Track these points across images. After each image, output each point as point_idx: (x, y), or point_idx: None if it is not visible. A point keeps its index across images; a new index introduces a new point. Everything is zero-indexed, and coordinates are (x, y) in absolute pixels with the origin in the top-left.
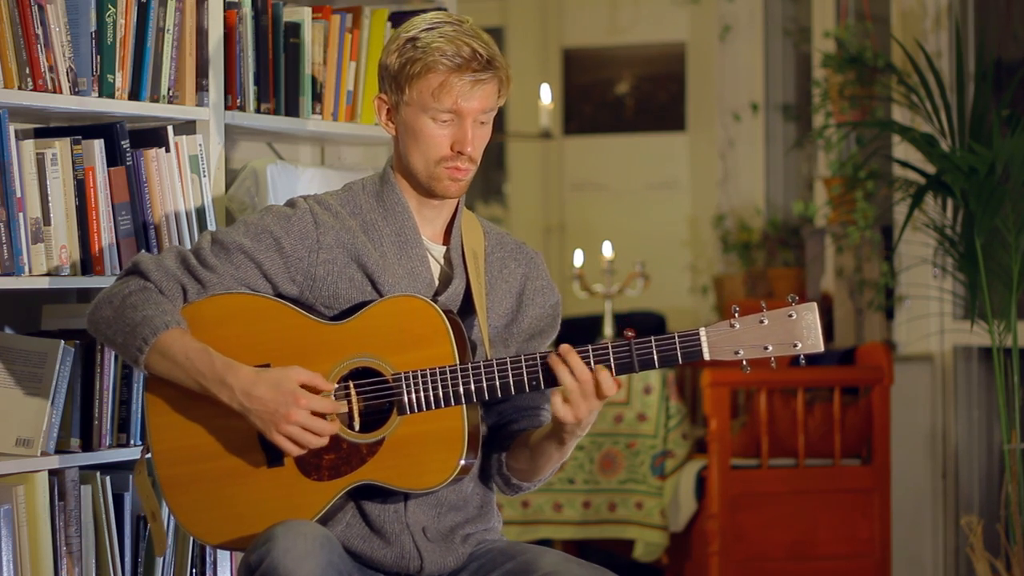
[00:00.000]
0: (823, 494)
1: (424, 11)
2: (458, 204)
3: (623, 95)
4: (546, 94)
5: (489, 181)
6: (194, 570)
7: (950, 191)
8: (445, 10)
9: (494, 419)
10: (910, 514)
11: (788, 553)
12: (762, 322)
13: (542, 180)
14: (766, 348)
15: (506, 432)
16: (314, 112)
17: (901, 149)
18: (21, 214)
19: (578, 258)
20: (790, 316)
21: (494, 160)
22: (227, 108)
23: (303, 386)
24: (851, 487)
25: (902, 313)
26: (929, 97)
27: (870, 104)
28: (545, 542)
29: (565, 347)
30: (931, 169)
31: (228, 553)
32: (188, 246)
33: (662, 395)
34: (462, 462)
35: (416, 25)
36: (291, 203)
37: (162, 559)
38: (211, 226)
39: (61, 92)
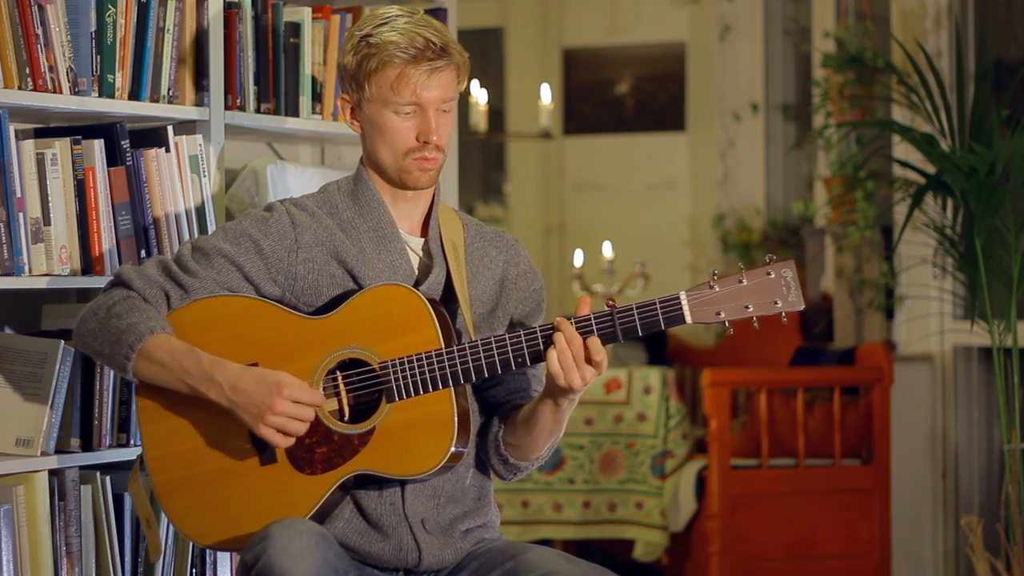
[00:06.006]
0: (823, 494)
1: (426, 10)
2: (434, 196)
3: (623, 95)
4: (546, 94)
5: (489, 181)
6: (194, 570)
7: (950, 191)
8: (445, 10)
9: (487, 404)
10: (910, 514)
11: (788, 553)
12: (741, 282)
13: (542, 180)
14: (747, 308)
15: (500, 413)
16: (314, 112)
17: (901, 149)
18: (21, 214)
19: (578, 258)
20: (768, 275)
21: (494, 160)
22: (227, 108)
23: None
24: (851, 487)
25: (902, 313)
26: (929, 97)
27: (870, 104)
28: (545, 542)
29: (559, 319)
30: (931, 169)
31: (228, 553)
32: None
33: (662, 395)
34: (453, 446)
35: (369, 22)
36: (268, 207)
37: (162, 559)
38: (211, 226)
39: (61, 92)
